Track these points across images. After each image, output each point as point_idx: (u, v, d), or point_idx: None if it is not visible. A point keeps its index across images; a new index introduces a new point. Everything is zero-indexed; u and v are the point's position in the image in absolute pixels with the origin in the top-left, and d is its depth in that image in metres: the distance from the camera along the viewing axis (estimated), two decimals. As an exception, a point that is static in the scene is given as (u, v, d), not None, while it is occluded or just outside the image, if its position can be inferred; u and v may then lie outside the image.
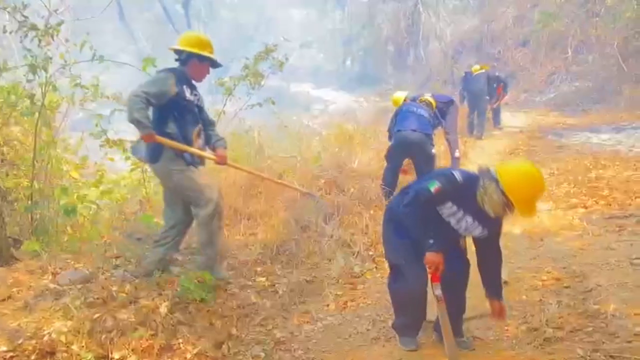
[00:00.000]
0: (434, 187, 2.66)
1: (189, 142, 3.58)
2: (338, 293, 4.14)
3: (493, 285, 2.92)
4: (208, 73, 3.73)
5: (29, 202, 4.08)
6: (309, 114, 14.84)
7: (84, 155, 4.84)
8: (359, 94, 21.88)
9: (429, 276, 2.78)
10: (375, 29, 25.13)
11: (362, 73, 25.16)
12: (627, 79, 12.73)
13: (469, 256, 3.04)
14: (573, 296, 3.46)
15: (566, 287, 3.60)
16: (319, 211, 4.93)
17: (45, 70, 3.95)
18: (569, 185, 6.40)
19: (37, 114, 4.10)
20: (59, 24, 3.98)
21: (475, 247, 2.92)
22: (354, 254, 4.74)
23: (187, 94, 3.57)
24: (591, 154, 7.95)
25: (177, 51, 3.65)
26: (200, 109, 3.74)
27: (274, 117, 6.60)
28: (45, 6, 4.64)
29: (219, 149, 3.77)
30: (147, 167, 5.03)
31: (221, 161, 3.78)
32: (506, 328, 3.29)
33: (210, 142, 3.81)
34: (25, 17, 3.90)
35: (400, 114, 6.02)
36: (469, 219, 2.74)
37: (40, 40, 3.90)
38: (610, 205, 5.49)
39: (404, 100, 6.67)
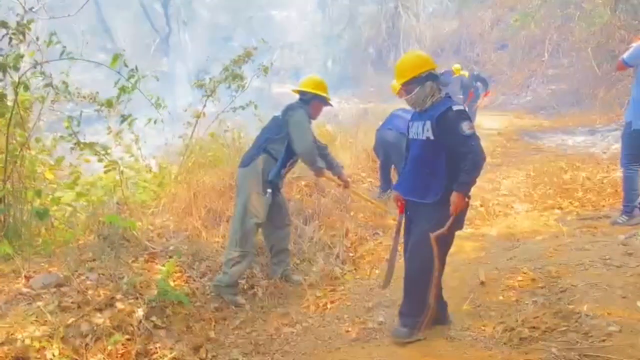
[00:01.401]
0: None
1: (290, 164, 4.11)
2: (318, 295, 4.14)
3: (457, 182, 2.98)
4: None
5: (1, 204, 3.97)
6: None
7: (59, 157, 4.73)
8: (339, 95, 21.93)
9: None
10: (355, 31, 25.26)
11: (342, 75, 25.19)
12: (601, 82, 13.03)
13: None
14: (548, 296, 3.50)
15: (541, 288, 3.65)
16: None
17: (17, 69, 3.86)
18: (544, 186, 6.52)
19: (9, 114, 3.99)
20: (30, 22, 3.89)
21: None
22: (334, 256, 4.75)
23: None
24: (566, 156, 8.12)
25: (301, 92, 4.11)
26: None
27: (255, 118, 6.59)
28: (21, 4, 4.52)
29: (342, 176, 4.43)
30: (123, 168, 4.97)
31: (346, 186, 4.49)
32: (483, 328, 3.33)
33: (332, 168, 4.36)
34: (-4, 14, 3.81)
35: (389, 117, 6.55)
36: (419, 123, 3.14)
37: (11, 39, 3.81)
38: (584, 206, 5.61)
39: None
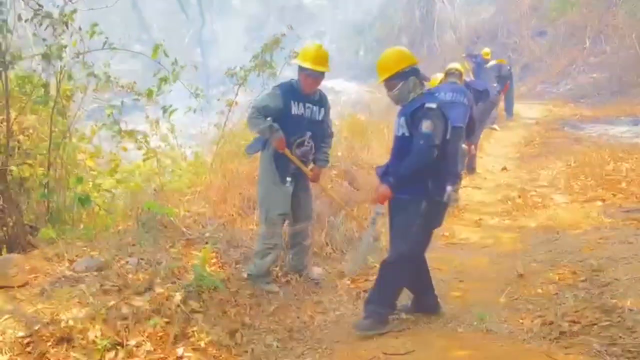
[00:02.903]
0: None
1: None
2: (350, 284, 4.13)
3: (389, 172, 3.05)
4: (315, 85, 3.76)
5: (45, 190, 4.11)
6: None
7: (98, 145, 4.88)
8: (371, 84, 21.74)
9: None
10: (388, 19, 24.91)
11: (374, 64, 24.90)
12: (646, 70, 12.50)
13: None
14: (589, 290, 3.41)
15: (582, 281, 3.56)
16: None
17: (60, 59, 3.97)
18: (585, 178, 6.32)
19: (52, 103, 4.12)
20: (73, 12, 3.99)
21: None
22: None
23: (294, 108, 3.73)
24: (608, 146, 7.83)
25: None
26: (311, 121, 3.83)
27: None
28: (60, -5, 4.65)
29: (315, 168, 3.95)
30: (160, 157, 5.07)
31: (313, 179, 3.97)
32: (520, 321, 3.26)
33: (316, 156, 3.93)
34: (40, 5, 3.91)
35: None
36: (397, 119, 3.17)
37: (54, 29, 3.91)
38: (627, 198, 5.42)
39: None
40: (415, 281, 3.36)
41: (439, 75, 6.74)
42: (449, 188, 3.16)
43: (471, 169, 7.35)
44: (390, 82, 3.08)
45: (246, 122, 3.74)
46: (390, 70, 3.06)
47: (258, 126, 3.66)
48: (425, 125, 2.92)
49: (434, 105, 2.98)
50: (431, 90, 3.23)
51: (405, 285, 3.32)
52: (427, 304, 3.42)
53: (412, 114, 2.99)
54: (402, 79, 3.05)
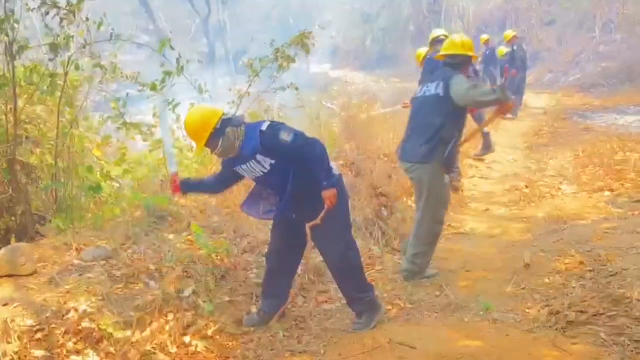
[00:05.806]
0: None
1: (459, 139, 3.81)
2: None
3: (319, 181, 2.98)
4: None
5: (53, 179, 4.14)
6: (327, 94, 14.71)
7: (106, 134, 4.89)
8: (378, 74, 21.61)
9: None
10: (395, 8, 24.72)
11: (381, 53, 24.78)
12: (656, 59, 12.33)
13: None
14: (597, 280, 3.39)
15: (590, 271, 3.54)
16: None
17: (67, 49, 3.98)
18: (594, 167, 6.28)
19: (59, 92, 4.13)
20: (80, 2, 3.98)
21: None
22: (372, 236, 4.73)
23: None
24: (617, 136, 7.75)
25: (451, 55, 3.77)
26: None
27: (294, 97, 6.58)
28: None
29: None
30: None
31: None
32: (527, 311, 3.25)
33: None
34: (48, -7, 3.90)
35: None
36: (250, 163, 3.06)
37: (61, 19, 3.90)
38: (636, 188, 5.38)
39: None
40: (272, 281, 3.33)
41: (423, 50, 6.75)
42: (332, 164, 3.15)
43: (488, 147, 7.08)
44: (210, 144, 2.96)
45: (470, 96, 3.50)
46: (203, 136, 2.92)
47: (493, 94, 3.46)
48: (285, 136, 2.88)
49: (267, 123, 2.98)
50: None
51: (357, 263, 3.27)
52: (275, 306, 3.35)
53: (263, 145, 2.91)
54: (219, 135, 2.93)
